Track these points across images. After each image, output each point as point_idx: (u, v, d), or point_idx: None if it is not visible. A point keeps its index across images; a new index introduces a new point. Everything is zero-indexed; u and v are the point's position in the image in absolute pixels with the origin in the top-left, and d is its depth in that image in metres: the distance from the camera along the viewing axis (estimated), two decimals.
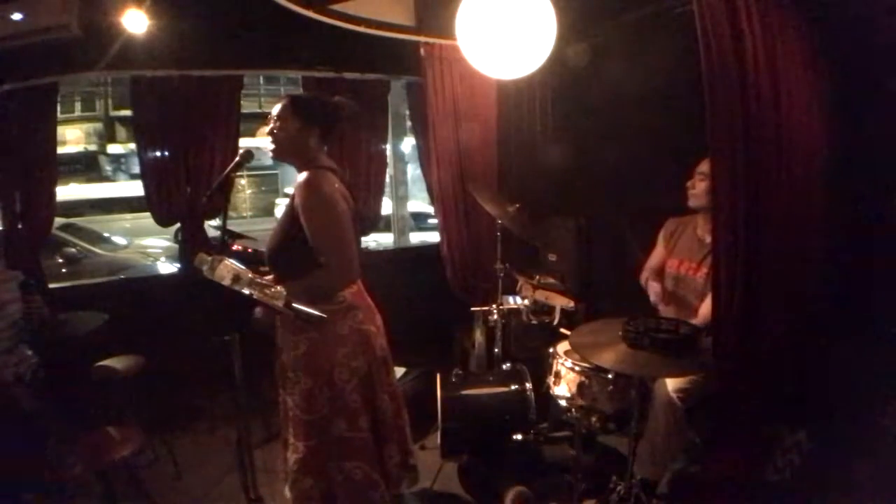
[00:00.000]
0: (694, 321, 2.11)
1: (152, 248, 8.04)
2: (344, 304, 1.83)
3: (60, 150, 4.70)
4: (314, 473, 1.83)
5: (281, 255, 1.83)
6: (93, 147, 14.60)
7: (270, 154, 1.86)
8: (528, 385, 2.59)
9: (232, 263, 1.57)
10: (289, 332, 1.84)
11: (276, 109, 1.84)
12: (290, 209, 1.79)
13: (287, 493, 1.89)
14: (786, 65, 1.62)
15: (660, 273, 2.53)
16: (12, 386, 2.36)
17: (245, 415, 1.76)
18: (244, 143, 3.76)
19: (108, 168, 14.59)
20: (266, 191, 15.26)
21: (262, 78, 9.96)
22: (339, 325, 1.81)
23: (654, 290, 2.45)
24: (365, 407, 1.87)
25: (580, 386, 2.22)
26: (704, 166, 2.27)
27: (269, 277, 1.84)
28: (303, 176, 1.80)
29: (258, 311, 1.78)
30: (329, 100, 1.94)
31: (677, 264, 2.42)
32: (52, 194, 3.43)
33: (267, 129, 1.84)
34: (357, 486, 1.85)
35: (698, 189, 2.30)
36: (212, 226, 3.85)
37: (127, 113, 9.14)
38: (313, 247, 1.73)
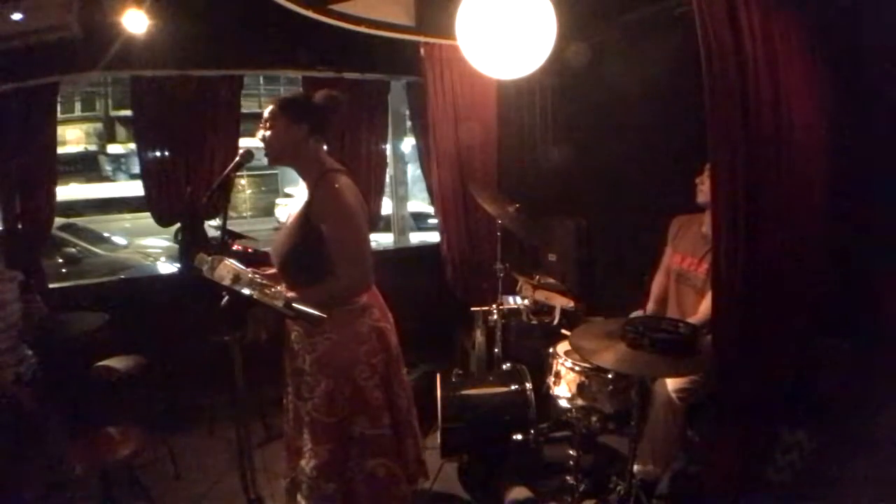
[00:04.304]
0: (693, 319, 2.12)
1: (152, 248, 8.04)
2: (361, 303, 1.83)
3: (60, 150, 4.69)
4: (336, 477, 1.81)
5: (296, 261, 1.80)
6: (93, 147, 14.60)
7: (266, 159, 1.84)
8: (528, 385, 2.59)
9: (232, 263, 1.57)
10: (304, 334, 1.82)
11: (265, 113, 1.82)
12: (306, 214, 1.76)
13: (301, 501, 1.86)
14: (786, 65, 1.62)
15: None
16: (12, 386, 2.36)
17: (245, 415, 1.76)
18: (244, 143, 3.76)
19: (108, 168, 14.60)
20: (266, 191, 15.27)
21: (262, 78, 9.95)
22: (359, 324, 1.81)
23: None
24: (386, 403, 1.88)
25: (580, 386, 2.22)
26: None
27: (271, 271, 1.84)
28: (325, 180, 1.77)
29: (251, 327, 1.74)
30: (314, 95, 1.89)
31: (680, 259, 2.42)
32: (52, 194, 3.43)
33: (259, 134, 1.82)
34: (381, 483, 1.85)
35: (707, 186, 2.29)
36: (212, 226, 3.85)
37: (127, 113, 9.14)
38: (331, 253, 1.72)
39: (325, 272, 1.73)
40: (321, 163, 1.84)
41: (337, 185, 1.76)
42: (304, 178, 1.85)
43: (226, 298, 1.64)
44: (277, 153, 1.83)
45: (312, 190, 1.79)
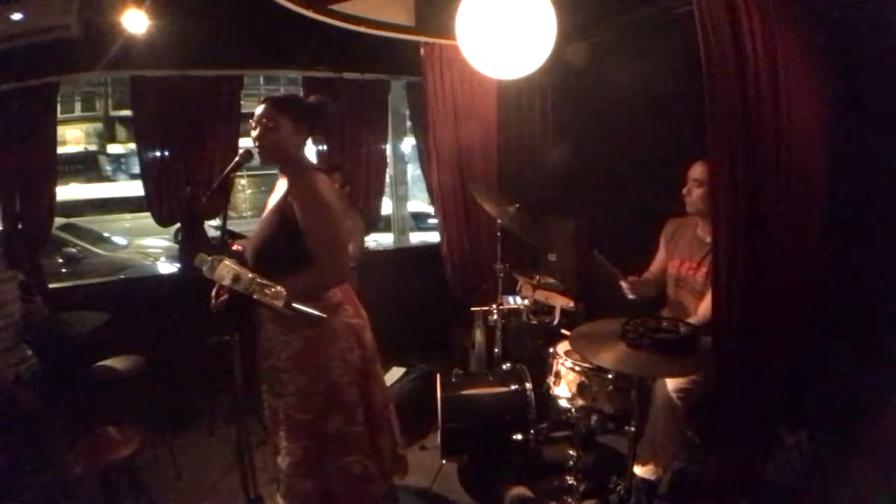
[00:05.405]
0: (693, 320, 2.12)
1: (152, 248, 8.03)
2: (334, 300, 1.85)
3: (60, 150, 4.70)
4: (312, 474, 1.82)
5: (269, 251, 1.82)
6: (93, 147, 14.58)
7: (258, 158, 1.86)
8: (528, 385, 2.59)
9: (232, 263, 1.57)
10: (279, 332, 1.83)
11: (258, 111, 1.83)
12: (282, 209, 1.79)
13: (280, 500, 1.86)
14: (786, 64, 1.62)
15: (660, 276, 2.53)
16: (12, 386, 2.36)
17: (245, 415, 1.76)
18: (244, 143, 3.75)
19: (108, 168, 14.57)
20: (266, 191, 15.25)
21: (262, 78, 9.96)
22: (333, 321, 1.82)
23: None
24: (361, 400, 1.89)
25: (580, 386, 2.22)
26: (696, 171, 2.28)
27: None
28: (304, 176, 1.80)
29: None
30: (308, 98, 1.95)
31: (678, 265, 2.42)
32: (52, 194, 3.44)
33: (255, 133, 1.82)
34: (355, 480, 1.85)
35: (694, 195, 2.30)
36: (212, 226, 3.85)
37: (127, 113, 9.12)
38: (308, 246, 1.73)
39: (298, 265, 1.74)
40: (301, 161, 1.89)
41: (316, 181, 1.79)
42: (285, 175, 1.88)
43: (213, 293, 1.67)
44: (275, 153, 1.85)
45: (290, 185, 1.81)
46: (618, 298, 2.52)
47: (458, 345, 3.59)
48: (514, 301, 3.07)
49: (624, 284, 2.48)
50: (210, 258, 1.57)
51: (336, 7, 2.84)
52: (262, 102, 1.85)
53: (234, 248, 2.54)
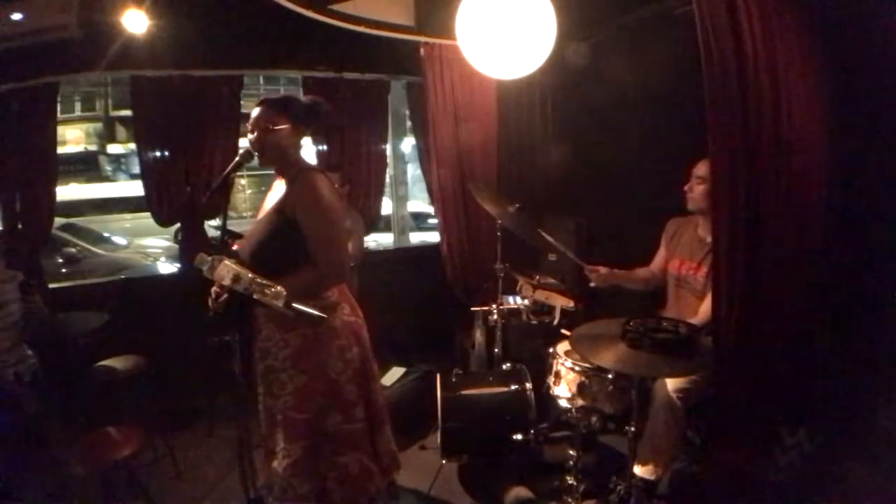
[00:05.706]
0: (693, 320, 2.12)
1: (152, 248, 8.03)
2: (331, 299, 1.85)
3: (60, 150, 4.70)
4: (309, 475, 1.82)
5: (267, 251, 1.82)
6: (93, 147, 14.58)
7: (258, 160, 1.84)
8: (528, 385, 2.59)
9: (232, 263, 1.57)
10: (278, 331, 1.82)
11: (255, 113, 1.82)
12: (281, 209, 1.79)
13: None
14: (786, 65, 1.62)
15: (660, 274, 2.54)
16: (12, 386, 2.36)
17: (245, 415, 1.76)
18: (244, 143, 3.75)
19: (108, 168, 14.57)
20: (266, 191, 15.20)
21: (262, 78, 9.96)
22: (331, 319, 1.82)
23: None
24: (360, 397, 1.89)
25: (580, 386, 2.22)
26: (701, 169, 2.27)
27: None
28: (303, 176, 1.80)
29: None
30: (304, 98, 1.94)
31: (678, 265, 2.42)
32: (52, 194, 3.44)
33: (252, 136, 1.82)
34: (354, 479, 1.85)
35: (696, 192, 2.30)
36: (212, 226, 3.85)
37: (127, 113, 9.11)
38: (308, 246, 1.74)
39: (297, 265, 1.74)
40: (300, 161, 1.89)
41: (315, 181, 1.79)
42: (283, 175, 1.88)
43: (212, 294, 1.67)
44: (274, 154, 1.84)
45: (289, 185, 1.81)
46: (586, 284, 2.58)
47: (458, 345, 3.59)
48: (514, 301, 3.07)
49: (587, 269, 2.56)
50: (210, 258, 1.57)
51: (336, 7, 2.84)
52: (258, 105, 1.84)
53: (234, 247, 2.54)
